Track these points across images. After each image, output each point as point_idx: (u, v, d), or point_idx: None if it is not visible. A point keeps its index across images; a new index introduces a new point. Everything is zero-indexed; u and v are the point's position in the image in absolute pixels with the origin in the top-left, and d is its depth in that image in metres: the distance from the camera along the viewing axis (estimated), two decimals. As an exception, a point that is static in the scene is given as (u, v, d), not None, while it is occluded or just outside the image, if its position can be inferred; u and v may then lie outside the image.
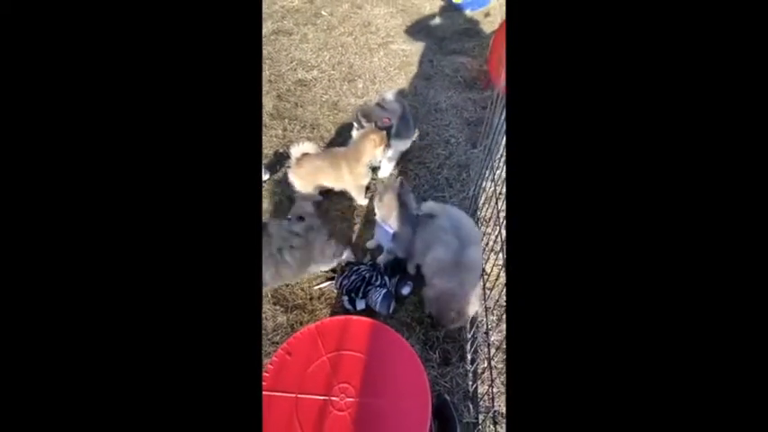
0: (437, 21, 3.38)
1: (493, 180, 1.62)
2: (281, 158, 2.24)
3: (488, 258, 1.59)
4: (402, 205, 1.65)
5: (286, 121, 2.48)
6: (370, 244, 1.90)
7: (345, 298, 1.70)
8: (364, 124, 2.02)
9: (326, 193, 2.07)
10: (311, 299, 1.76)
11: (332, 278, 1.78)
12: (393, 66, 2.92)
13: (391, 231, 1.68)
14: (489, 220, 1.82)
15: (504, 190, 1.51)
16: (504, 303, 1.64)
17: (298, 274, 1.71)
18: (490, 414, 1.43)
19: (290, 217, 1.71)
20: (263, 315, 1.69)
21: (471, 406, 1.47)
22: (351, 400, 1.11)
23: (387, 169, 2.20)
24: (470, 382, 1.52)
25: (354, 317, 1.27)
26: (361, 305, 1.68)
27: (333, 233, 1.75)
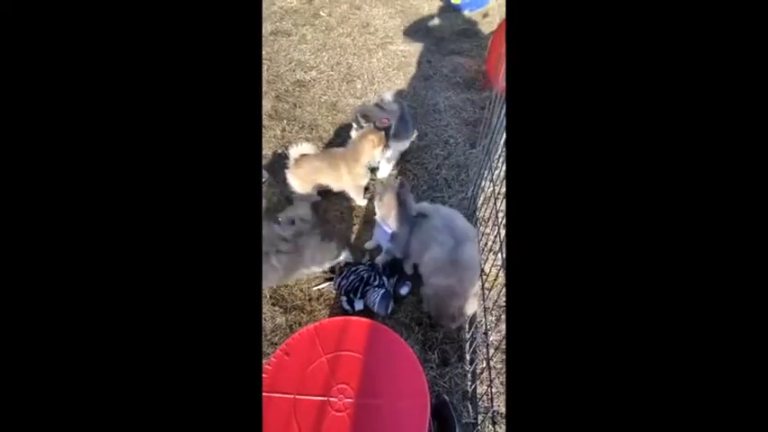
0: (436, 21, 3.38)
1: (491, 180, 1.62)
2: (280, 159, 2.24)
3: (487, 258, 1.59)
4: (401, 205, 1.65)
5: (285, 121, 2.48)
6: (369, 244, 1.90)
7: (344, 298, 1.70)
8: (363, 125, 2.02)
9: (325, 193, 2.07)
10: (310, 300, 1.76)
11: (330, 279, 1.78)
12: (392, 66, 2.92)
13: (390, 231, 1.68)
14: (488, 220, 1.82)
15: (503, 190, 1.51)
16: (503, 304, 1.64)
17: (285, 278, 1.70)
18: (489, 414, 1.43)
19: (281, 219, 1.69)
20: (262, 316, 1.69)
21: (470, 406, 1.47)
22: (349, 400, 1.11)
23: (385, 170, 2.20)
24: (469, 383, 1.52)
25: (353, 317, 1.27)
26: (359, 305, 1.68)
27: (327, 236, 1.73)
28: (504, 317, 1.58)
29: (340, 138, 2.38)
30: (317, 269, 1.77)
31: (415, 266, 1.71)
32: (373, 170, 2.19)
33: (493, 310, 1.65)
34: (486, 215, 1.84)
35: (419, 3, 3.59)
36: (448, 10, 3.49)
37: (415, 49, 3.07)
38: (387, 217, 1.67)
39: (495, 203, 1.48)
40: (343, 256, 1.79)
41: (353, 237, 1.98)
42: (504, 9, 3.29)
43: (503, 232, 1.34)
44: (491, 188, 1.61)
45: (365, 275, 1.69)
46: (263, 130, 2.41)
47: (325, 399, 1.11)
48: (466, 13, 3.45)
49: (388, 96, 2.13)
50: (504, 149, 1.59)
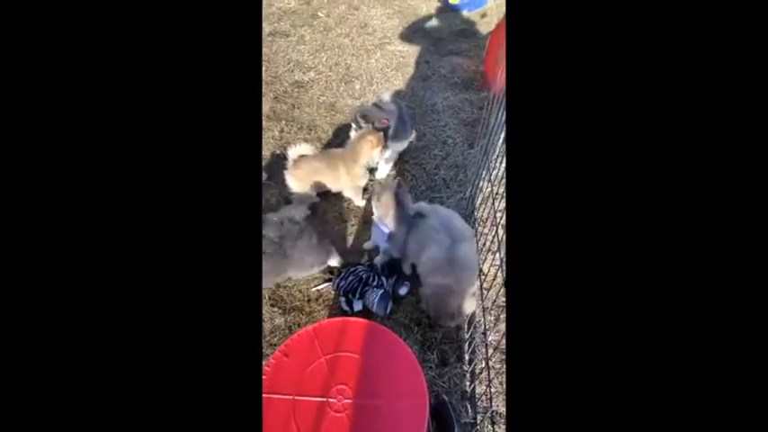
0: (434, 22, 3.38)
1: (489, 180, 1.62)
2: (279, 160, 2.24)
3: (485, 258, 1.59)
4: (399, 204, 1.65)
5: (283, 122, 2.48)
6: (368, 245, 1.90)
7: (343, 299, 1.70)
8: (362, 125, 2.02)
9: (323, 194, 2.07)
10: (309, 300, 1.76)
11: (329, 280, 1.78)
12: (390, 67, 2.93)
13: (387, 231, 1.68)
14: (486, 220, 1.82)
15: (501, 190, 1.51)
16: (501, 303, 1.64)
17: (269, 281, 1.68)
18: (488, 414, 1.43)
19: (275, 219, 1.66)
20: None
21: (469, 406, 1.47)
22: (348, 401, 1.11)
23: (384, 170, 2.20)
24: (468, 383, 1.52)
25: (352, 318, 1.27)
26: (358, 306, 1.68)
27: (317, 240, 1.70)
28: (502, 316, 1.58)
29: (338, 138, 2.38)
30: (304, 274, 1.76)
31: (414, 266, 1.71)
32: (372, 171, 2.19)
33: (491, 309, 1.65)
34: (485, 215, 1.84)
35: (417, 3, 3.60)
36: (446, 10, 3.49)
37: (413, 49, 3.08)
38: (384, 217, 1.67)
39: (493, 203, 1.49)
40: (335, 262, 1.78)
41: (352, 237, 1.98)
42: (502, 9, 3.30)
43: (501, 232, 1.34)
44: (489, 188, 1.61)
45: (364, 276, 1.69)
46: (262, 131, 2.41)
47: (325, 399, 1.11)
48: (464, 13, 3.45)
49: (387, 97, 2.13)
50: (502, 150, 1.59)
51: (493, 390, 1.46)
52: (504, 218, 1.28)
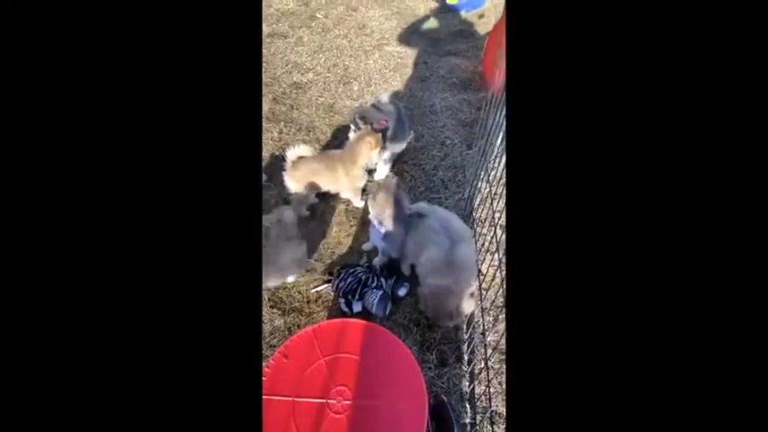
0: (432, 23, 3.39)
1: (488, 181, 1.62)
2: (277, 161, 2.24)
3: (484, 259, 1.59)
4: (396, 204, 1.66)
5: (282, 123, 2.48)
6: (366, 246, 1.90)
7: (342, 300, 1.70)
8: (361, 126, 2.03)
9: (322, 195, 2.07)
10: (308, 302, 1.76)
11: (329, 281, 1.78)
12: (388, 68, 2.93)
13: (383, 230, 1.69)
14: (485, 220, 1.83)
15: (500, 190, 1.51)
16: (500, 304, 1.64)
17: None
18: (487, 414, 1.43)
19: (267, 224, 1.65)
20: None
21: (468, 406, 1.47)
22: (348, 402, 1.11)
23: (383, 171, 2.20)
24: (467, 383, 1.52)
25: (351, 319, 1.27)
26: (357, 307, 1.68)
27: (301, 244, 1.70)
28: (501, 317, 1.59)
29: (337, 140, 2.39)
30: (291, 279, 1.76)
31: (413, 267, 1.72)
32: (370, 172, 2.19)
33: (490, 310, 1.65)
34: (483, 216, 1.84)
35: (415, 4, 3.60)
36: (444, 11, 3.50)
37: (411, 50, 3.08)
38: (380, 216, 1.67)
39: (491, 204, 1.49)
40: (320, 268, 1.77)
41: (351, 238, 1.99)
42: (500, 10, 3.31)
43: (499, 233, 1.35)
44: (488, 189, 1.61)
45: (363, 277, 1.70)
46: (260, 133, 2.41)
47: (324, 401, 1.11)
48: (462, 14, 3.46)
49: (385, 98, 2.13)
50: (500, 150, 1.60)
51: (492, 390, 1.46)
52: (502, 218, 1.29)
